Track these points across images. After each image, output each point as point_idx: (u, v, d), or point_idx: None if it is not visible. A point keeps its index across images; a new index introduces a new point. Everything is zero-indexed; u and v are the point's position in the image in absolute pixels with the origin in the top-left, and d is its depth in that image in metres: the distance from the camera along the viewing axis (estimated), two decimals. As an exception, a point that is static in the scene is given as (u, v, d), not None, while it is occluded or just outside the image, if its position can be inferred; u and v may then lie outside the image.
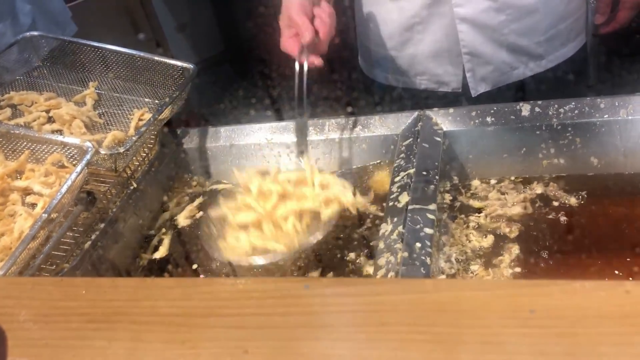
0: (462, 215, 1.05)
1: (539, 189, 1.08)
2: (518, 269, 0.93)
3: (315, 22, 1.06)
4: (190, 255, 1.11)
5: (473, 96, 1.27)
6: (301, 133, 1.14)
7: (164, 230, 1.19)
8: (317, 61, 1.06)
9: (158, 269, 1.10)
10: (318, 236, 0.97)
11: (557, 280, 0.36)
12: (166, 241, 1.15)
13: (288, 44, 1.09)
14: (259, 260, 0.94)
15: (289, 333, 0.39)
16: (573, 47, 1.28)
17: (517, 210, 1.04)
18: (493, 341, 0.35)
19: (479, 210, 1.06)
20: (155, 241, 1.16)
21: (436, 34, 1.23)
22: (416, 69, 1.30)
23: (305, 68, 1.05)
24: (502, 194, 1.09)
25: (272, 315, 0.40)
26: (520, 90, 1.27)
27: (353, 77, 1.53)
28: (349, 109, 1.22)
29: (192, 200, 1.27)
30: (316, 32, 1.05)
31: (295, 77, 1.06)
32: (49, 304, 0.45)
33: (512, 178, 1.12)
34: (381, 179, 1.16)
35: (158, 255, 1.12)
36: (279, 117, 1.31)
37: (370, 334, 0.37)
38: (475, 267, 0.95)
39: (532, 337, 0.35)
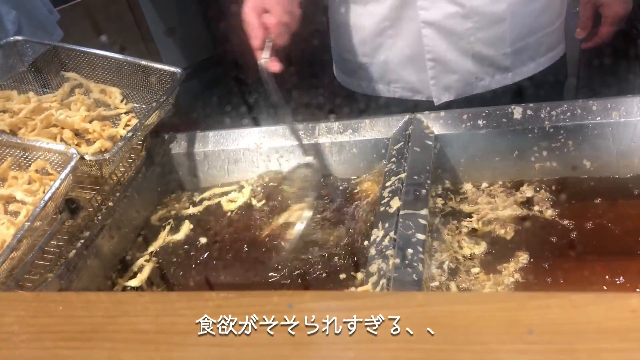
0: (454, 221, 1.03)
1: (530, 192, 1.06)
2: (517, 275, 0.91)
3: (263, 17, 1.03)
4: (178, 267, 1.09)
5: (436, 104, 1.25)
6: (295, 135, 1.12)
7: (147, 252, 1.16)
8: (274, 67, 1.03)
9: (144, 282, 1.08)
10: None
11: (556, 293, 0.35)
12: (146, 269, 1.11)
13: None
14: None
15: (275, 351, 0.37)
16: (542, 63, 1.25)
17: (508, 213, 1.03)
18: (489, 358, 0.33)
19: (470, 215, 1.05)
20: (136, 267, 1.12)
21: (405, 39, 1.20)
22: (389, 76, 1.27)
23: (266, 72, 1.03)
24: (493, 197, 1.07)
25: (257, 332, 0.38)
26: (485, 103, 1.24)
27: (329, 87, 1.51)
28: (329, 119, 1.21)
29: (179, 208, 1.25)
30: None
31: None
32: (22, 320, 0.43)
33: (505, 182, 1.10)
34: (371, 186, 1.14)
35: (136, 281, 1.08)
36: (268, 121, 1.28)
37: (360, 352, 0.35)
38: (475, 269, 0.93)
39: (531, 354, 0.33)
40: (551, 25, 1.23)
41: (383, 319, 0.37)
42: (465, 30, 1.16)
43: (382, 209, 0.97)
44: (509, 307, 0.36)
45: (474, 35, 1.17)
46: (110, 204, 1.13)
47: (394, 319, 0.37)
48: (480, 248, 0.97)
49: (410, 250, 0.86)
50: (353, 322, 0.37)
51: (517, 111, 1.08)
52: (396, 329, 0.37)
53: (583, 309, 0.35)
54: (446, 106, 1.23)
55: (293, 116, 1.13)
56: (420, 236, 0.89)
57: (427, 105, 1.26)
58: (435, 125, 1.12)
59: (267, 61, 1.02)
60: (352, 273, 0.97)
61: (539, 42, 1.22)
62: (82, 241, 1.03)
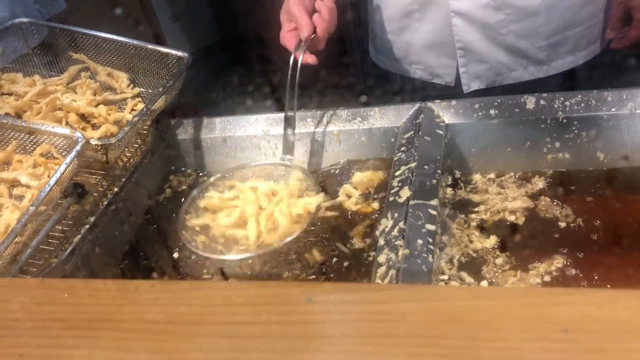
0: (463, 215, 1.02)
1: (541, 183, 1.05)
2: (532, 270, 0.89)
3: (314, 17, 1.04)
4: (184, 255, 1.07)
5: (465, 92, 1.24)
6: (289, 129, 1.12)
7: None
8: (312, 59, 1.04)
9: (150, 268, 1.07)
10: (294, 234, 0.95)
11: (582, 289, 0.33)
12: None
13: (286, 37, 1.07)
14: (232, 256, 0.93)
15: (287, 344, 0.35)
16: (582, 57, 1.21)
17: (518, 204, 1.01)
18: (512, 356, 0.32)
19: (478, 206, 1.03)
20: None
21: (432, 25, 1.19)
22: (411, 57, 1.27)
23: (299, 64, 1.03)
24: (503, 188, 1.06)
25: (269, 324, 0.37)
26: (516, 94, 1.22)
27: (361, 61, 1.52)
28: (350, 93, 1.20)
29: (186, 194, 1.24)
30: (315, 27, 1.03)
31: (288, 71, 1.04)
32: (26, 307, 0.41)
33: (516, 173, 1.09)
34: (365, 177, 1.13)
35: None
36: (276, 108, 1.27)
37: (376, 347, 0.34)
38: (499, 260, 0.92)
39: (556, 353, 0.32)
40: (594, 18, 1.19)
41: (401, 312, 0.36)
42: (497, 22, 1.14)
43: (391, 198, 0.95)
44: (532, 303, 0.35)
45: (506, 28, 1.15)
46: (116, 189, 1.12)
47: (412, 313, 0.36)
48: (491, 242, 0.95)
49: (420, 241, 0.84)
50: (370, 315, 0.36)
51: (530, 101, 1.06)
52: (414, 324, 0.35)
53: (612, 306, 0.33)
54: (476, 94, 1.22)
55: (322, 91, 1.14)
56: (430, 227, 0.87)
57: (447, 89, 1.26)
58: (446, 114, 1.10)
59: (304, 56, 1.04)
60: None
61: (579, 36, 1.18)
62: (87, 226, 1.02)
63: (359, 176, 1.12)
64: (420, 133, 1.07)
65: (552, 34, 1.16)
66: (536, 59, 1.19)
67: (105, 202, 1.08)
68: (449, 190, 1.06)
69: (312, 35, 1.03)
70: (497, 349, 0.33)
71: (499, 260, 0.92)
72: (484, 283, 0.88)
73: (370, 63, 1.42)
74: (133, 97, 1.23)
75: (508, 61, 1.19)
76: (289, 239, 0.93)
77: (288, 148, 1.12)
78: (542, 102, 1.05)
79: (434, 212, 0.90)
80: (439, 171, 0.98)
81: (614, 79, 1.19)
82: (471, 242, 0.96)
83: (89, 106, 1.15)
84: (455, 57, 1.21)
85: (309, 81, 1.08)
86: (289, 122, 1.11)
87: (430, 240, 0.85)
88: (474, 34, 1.16)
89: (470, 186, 1.09)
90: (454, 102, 1.11)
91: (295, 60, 1.03)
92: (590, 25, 1.19)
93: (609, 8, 1.21)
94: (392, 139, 1.14)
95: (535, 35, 1.16)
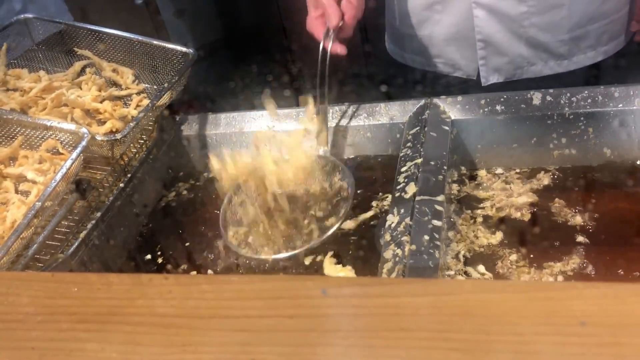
0: (468, 210, 1.02)
1: (547, 179, 1.04)
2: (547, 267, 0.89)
3: (342, 3, 1.02)
4: (189, 250, 1.07)
5: (483, 85, 1.23)
6: (321, 119, 1.11)
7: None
8: (340, 49, 1.02)
9: (156, 264, 1.07)
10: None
11: (596, 283, 0.33)
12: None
13: (313, 25, 1.04)
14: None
15: (300, 337, 0.35)
16: (604, 52, 1.19)
17: (524, 200, 1.01)
18: (526, 350, 0.32)
19: (484, 202, 1.03)
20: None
21: (453, 17, 1.18)
22: (432, 51, 1.25)
23: (328, 54, 1.01)
24: (509, 184, 1.06)
25: (282, 317, 0.37)
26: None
27: (377, 54, 1.50)
28: (365, 86, 1.18)
29: (191, 190, 1.24)
30: (343, 14, 1.01)
31: (318, 60, 1.02)
32: (37, 301, 0.41)
33: (521, 169, 1.08)
34: None
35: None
36: (280, 104, 1.26)
37: (389, 340, 0.34)
38: (506, 256, 0.91)
39: (570, 347, 0.32)
40: (616, 13, 1.17)
41: (414, 306, 0.36)
42: (520, 14, 1.13)
43: (397, 194, 0.95)
44: (546, 297, 0.35)
45: (528, 20, 1.13)
46: (122, 184, 1.12)
47: (425, 307, 0.36)
48: (497, 238, 0.95)
49: (426, 237, 0.84)
50: (382, 309, 0.36)
51: (537, 97, 1.06)
52: (427, 317, 0.35)
53: (627, 300, 0.33)
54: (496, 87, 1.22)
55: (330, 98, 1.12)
56: (437, 222, 0.87)
57: (469, 83, 1.25)
58: (452, 110, 1.10)
59: (332, 45, 1.01)
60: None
61: (601, 31, 1.16)
62: (93, 222, 1.02)
63: None
64: (426, 129, 1.07)
65: (574, 28, 1.14)
66: (557, 53, 1.17)
67: (110, 198, 1.08)
68: (455, 186, 1.06)
69: (340, 24, 1.01)
70: (511, 342, 0.33)
71: (505, 256, 0.92)
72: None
73: (387, 57, 1.40)
74: (138, 93, 1.23)
75: (528, 55, 1.17)
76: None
77: (322, 140, 1.11)
78: (548, 97, 1.05)
79: (440, 208, 0.90)
80: (445, 167, 0.98)
81: (635, 75, 1.18)
82: (477, 238, 0.96)
83: (94, 102, 1.15)
84: (475, 50, 1.20)
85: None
86: (321, 114, 1.10)
87: (437, 236, 0.85)
88: (495, 26, 1.15)
89: (476, 182, 1.08)
90: (459, 98, 1.10)
91: (325, 50, 1.01)
92: (612, 20, 1.17)
93: (632, 4, 1.19)
94: (398, 135, 1.14)
95: (557, 29, 1.14)
